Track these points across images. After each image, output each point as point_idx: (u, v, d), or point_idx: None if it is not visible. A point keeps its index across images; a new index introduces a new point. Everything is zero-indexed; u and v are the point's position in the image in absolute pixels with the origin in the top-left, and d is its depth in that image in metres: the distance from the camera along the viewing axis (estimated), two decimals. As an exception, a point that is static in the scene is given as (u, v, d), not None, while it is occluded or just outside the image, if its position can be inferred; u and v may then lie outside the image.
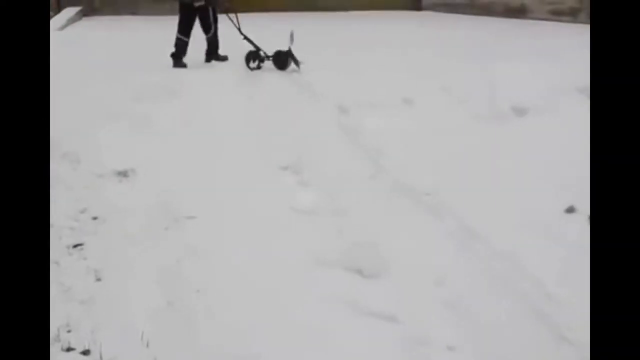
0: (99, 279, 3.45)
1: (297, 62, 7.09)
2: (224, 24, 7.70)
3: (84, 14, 10.60)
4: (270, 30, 7.28)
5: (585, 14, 8.89)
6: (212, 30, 7.66)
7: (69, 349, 2.91)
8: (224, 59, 7.82)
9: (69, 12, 10.25)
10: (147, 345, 2.93)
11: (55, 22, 9.44)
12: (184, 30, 7.51)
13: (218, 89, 6.23)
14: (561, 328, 3.06)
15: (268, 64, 7.40)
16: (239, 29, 7.52)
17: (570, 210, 4.05)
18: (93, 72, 6.65)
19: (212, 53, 7.85)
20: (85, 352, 2.88)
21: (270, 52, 7.38)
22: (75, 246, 3.76)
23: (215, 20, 7.69)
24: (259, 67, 7.34)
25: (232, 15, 7.59)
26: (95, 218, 4.08)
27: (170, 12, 10.33)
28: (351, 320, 3.14)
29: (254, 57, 7.37)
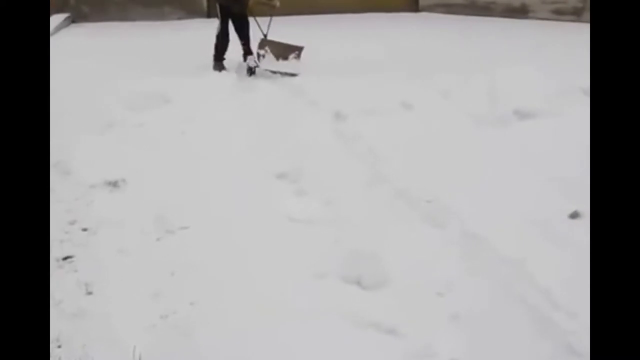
0: (89, 293, 3.39)
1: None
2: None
3: (73, 20, 10.47)
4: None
5: (589, 13, 8.83)
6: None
7: (59, 365, 2.85)
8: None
9: (57, 18, 10.07)
10: (140, 361, 2.85)
11: (44, 29, 9.35)
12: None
13: (212, 96, 6.13)
14: (569, 338, 2.99)
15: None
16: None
17: (575, 215, 4.00)
18: (83, 80, 6.53)
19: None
20: (76, 368, 2.83)
21: None
22: (65, 258, 3.69)
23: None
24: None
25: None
26: (85, 229, 4.00)
27: (160, 18, 10.25)
28: (350, 334, 3.07)
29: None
